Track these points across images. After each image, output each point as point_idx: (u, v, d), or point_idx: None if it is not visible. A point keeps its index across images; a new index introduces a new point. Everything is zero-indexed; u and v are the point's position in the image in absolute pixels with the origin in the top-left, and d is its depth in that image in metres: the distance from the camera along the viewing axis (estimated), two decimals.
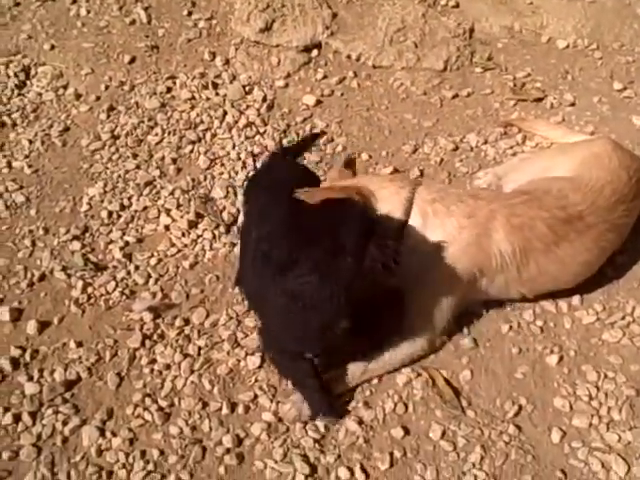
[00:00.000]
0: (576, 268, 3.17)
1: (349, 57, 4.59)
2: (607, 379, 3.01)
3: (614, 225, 3.17)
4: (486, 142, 4.08)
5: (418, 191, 3.04)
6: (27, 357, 3.01)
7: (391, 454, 2.76)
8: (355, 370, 2.96)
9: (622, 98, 4.36)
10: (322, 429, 2.82)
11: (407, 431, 2.84)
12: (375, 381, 2.99)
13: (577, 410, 2.92)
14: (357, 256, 2.57)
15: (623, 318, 3.22)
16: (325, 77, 4.48)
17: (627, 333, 3.17)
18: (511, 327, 3.19)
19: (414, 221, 2.98)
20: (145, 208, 3.66)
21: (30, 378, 2.95)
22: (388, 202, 2.97)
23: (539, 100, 4.36)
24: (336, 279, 2.56)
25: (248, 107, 4.24)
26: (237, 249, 3.40)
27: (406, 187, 3.03)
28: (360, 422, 2.85)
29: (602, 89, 4.41)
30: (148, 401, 2.89)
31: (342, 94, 4.40)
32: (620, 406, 2.92)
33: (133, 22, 4.73)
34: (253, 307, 3.09)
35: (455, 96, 4.39)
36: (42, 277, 3.32)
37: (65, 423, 2.81)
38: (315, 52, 4.60)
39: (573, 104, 4.32)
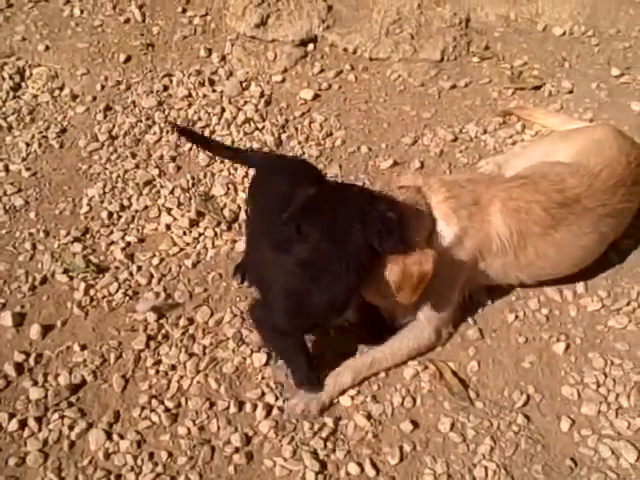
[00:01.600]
0: (576, 253, 3.16)
1: (345, 50, 4.58)
2: (614, 366, 3.01)
3: (614, 210, 3.15)
4: (485, 132, 4.07)
5: (428, 193, 2.99)
6: (31, 362, 3.00)
7: (401, 448, 2.75)
8: (362, 363, 2.96)
9: (620, 84, 4.35)
10: (331, 424, 2.81)
11: (416, 424, 2.83)
12: (382, 375, 2.98)
13: (585, 398, 2.91)
14: (363, 223, 2.62)
15: (628, 304, 3.22)
16: (322, 71, 4.47)
17: (633, 319, 3.17)
18: (517, 316, 3.18)
19: (440, 224, 2.95)
20: (145, 207, 3.64)
21: (35, 383, 2.93)
22: (416, 217, 2.90)
23: (537, 88, 4.35)
24: (345, 246, 2.60)
25: (246, 103, 4.23)
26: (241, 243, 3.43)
27: (419, 197, 2.96)
28: (369, 417, 2.84)
29: (600, 75, 4.40)
30: (155, 402, 2.88)
31: (340, 87, 4.39)
32: (628, 392, 2.91)
33: (127, 21, 4.71)
34: (256, 287, 3.12)
35: (453, 87, 4.38)
36: (44, 280, 3.30)
37: (71, 427, 2.80)
38: (311, 46, 4.59)
39: (571, 91, 4.31)
